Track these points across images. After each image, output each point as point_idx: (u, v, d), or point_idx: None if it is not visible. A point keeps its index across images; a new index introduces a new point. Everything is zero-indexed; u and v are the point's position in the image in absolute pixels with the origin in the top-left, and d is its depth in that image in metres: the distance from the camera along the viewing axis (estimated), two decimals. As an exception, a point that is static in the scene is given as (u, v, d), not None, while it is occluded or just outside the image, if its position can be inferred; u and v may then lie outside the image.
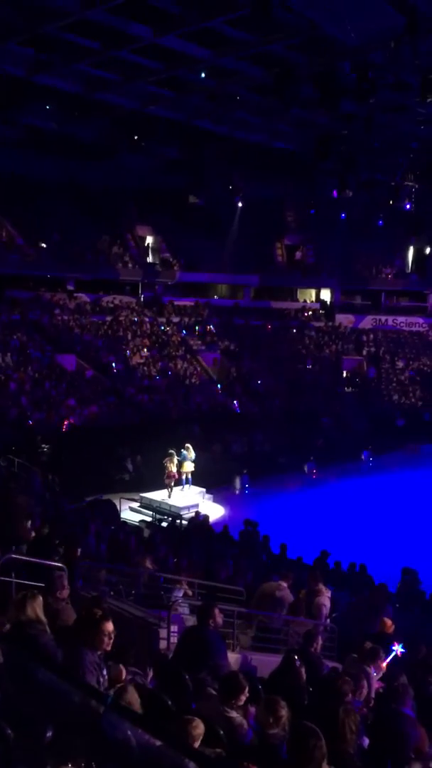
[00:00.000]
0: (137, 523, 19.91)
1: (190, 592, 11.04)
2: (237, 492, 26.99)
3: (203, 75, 21.74)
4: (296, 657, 6.98)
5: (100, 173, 35.06)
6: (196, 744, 4.09)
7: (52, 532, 11.17)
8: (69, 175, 35.93)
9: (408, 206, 31.97)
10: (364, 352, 41.68)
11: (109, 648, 4.63)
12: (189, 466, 23.70)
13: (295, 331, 41.91)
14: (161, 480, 23.24)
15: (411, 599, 14.36)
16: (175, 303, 39.96)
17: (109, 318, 35.76)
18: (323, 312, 44.87)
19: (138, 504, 23.30)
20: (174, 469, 23.25)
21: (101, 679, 4.46)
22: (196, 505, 22.88)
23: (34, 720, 2.89)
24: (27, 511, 10.30)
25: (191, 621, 8.83)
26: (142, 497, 23.54)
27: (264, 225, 42.84)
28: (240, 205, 38.79)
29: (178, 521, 20.46)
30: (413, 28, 15.30)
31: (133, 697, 4.49)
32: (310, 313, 44.14)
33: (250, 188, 36.34)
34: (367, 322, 44.18)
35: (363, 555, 16.72)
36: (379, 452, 32.29)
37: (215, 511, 23.41)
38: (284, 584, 10.54)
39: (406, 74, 18.81)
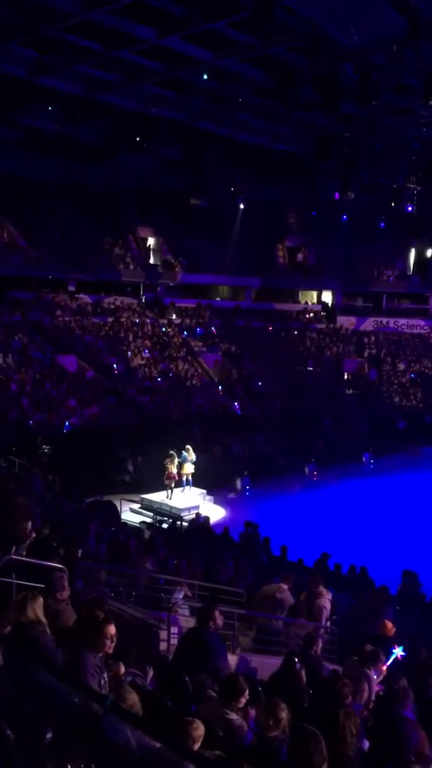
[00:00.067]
0: (138, 525, 19.90)
1: (190, 594, 11.04)
2: (237, 493, 26.97)
3: (205, 77, 21.75)
4: (296, 659, 6.98)
5: (102, 174, 35.10)
6: (196, 746, 4.09)
7: (52, 533, 11.17)
8: (70, 176, 35.97)
9: (410, 208, 32.00)
10: (366, 354, 41.67)
11: (111, 651, 4.62)
12: (189, 468, 23.69)
13: (296, 332, 41.91)
14: (162, 481, 23.25)
15: (411, 602, 14.33)
16: (177, 304, 39.96)
17: (110, 319, 35.76)
18: (324, 314, 44.88)
19: (138, 505, 23.30)
20: (174, 470, 23.25)
21: (102, 682, 4.45)
22: (197, 507, 22.86)
23: (34, 721, 2.88)
24: (27, 512, 10.29)
25: (191, 623, 8.82)
26: (142, 498, 23.55)
27: (266, 227, 42.88)
28: (242, 206, 38.86)
29: (178, 523, 20.47)
30: (416, 31, 15.31)
31: (134, 700, 4.48)
32: (311, 315, 44.16)
33: (252, 190, 36.42)
34: (369, 324, 44.20)
35: (364, 557, 16.70)
36: (380, 454, 32.26)
37: (216, 513, 23.38)
38: (285, 586, 10.53)
39: (408, 77, 18.80)
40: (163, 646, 8.77)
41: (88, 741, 2.78)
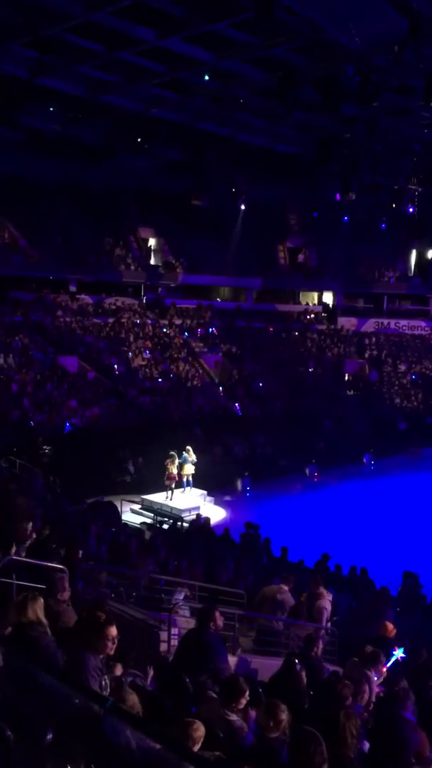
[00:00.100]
0: (138, 525, 19.91)
1: (190, 595, 11.04)
2: (238, 494, 26.96)
3: (207, 77, 21.76)
4: (297, 660, 6.98)
5: (102, 175, 35.09)
6: (197, 747, 4.08)
7: (52, 534, 11.17)
8: (71, 177, 35.95)
9: (411, 210, 32.05)
10: (366, 355, 41.67)
11: (112, 653, 4.61)
12: (190, 469, 23.68)
13: (297, 333, 41.91)
14: (162, 482, 23.24)
15: (412, 603, 14.33)
16: (178, 305, 39.97)
17: (111, 320, 35.76)
18: (325, 315, 44.88)
19: (139, 506, 23.30)
20: (175, 471, 23.25)
21: (103, 683, 4.44)
22: (197, 508, 22.85)
23: (35, 722, 2.88)
24: (28, 513, 10.30)
25: (192, 624, 8.82)
26: (143, 499, 23.54)
27: (267, 228, 42.87)
28: (243, 207, 38.82)
29: (179, 523, 20.47)
30: (416, 31, 15.32)
31: (134, 701, 4.48)
32: (312, 316, 44.15)
33: (253, 191, 36.39)
34: (370, 325, 44.21)
35: (364, 558, 16.70)
36: (381, 455, 32.26)
37: (216, 514, 23.38)
38: (285, 587, 10.52)
39: (409, 78, 18.81)
40: (163, 647, 8.77)
41: (88, 742, 2.78)
